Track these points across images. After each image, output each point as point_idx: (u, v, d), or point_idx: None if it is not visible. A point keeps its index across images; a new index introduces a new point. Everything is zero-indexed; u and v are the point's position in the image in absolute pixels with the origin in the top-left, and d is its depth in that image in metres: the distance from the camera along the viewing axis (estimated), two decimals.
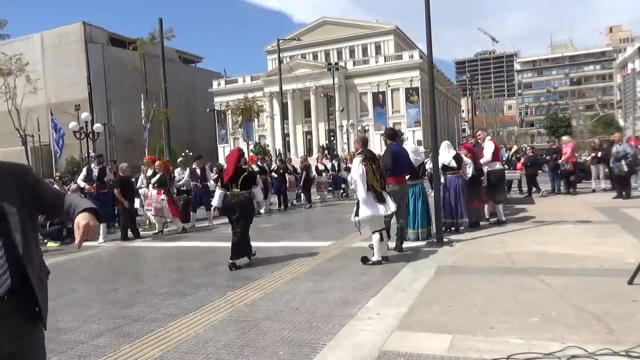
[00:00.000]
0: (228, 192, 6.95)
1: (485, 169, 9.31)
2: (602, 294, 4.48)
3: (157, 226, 11.40)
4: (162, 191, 10.95)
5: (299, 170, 17.10)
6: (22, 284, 1.83)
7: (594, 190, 14.24)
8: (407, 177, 7.51)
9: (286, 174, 16.06)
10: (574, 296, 4.46)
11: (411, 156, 7.62)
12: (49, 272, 2.09)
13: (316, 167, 18.19)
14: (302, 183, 16.48)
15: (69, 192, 12.00)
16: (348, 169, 15.32)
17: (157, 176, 11.08)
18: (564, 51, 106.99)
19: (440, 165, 8.37)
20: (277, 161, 18.79)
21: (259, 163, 15.45)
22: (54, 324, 4.74)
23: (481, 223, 9.11)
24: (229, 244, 6.66)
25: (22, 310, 1.85)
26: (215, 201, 7.32)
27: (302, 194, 17.25)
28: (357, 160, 6.51)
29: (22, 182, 1.96)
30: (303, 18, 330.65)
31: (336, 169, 18.59)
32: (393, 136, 7.79)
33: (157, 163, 11.61)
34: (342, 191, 18.80)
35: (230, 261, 6.63)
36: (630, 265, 5.03)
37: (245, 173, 7.06)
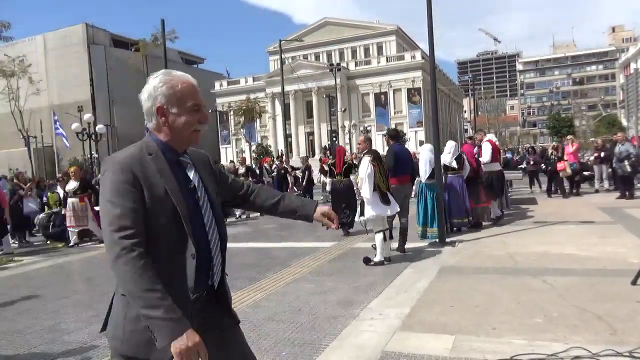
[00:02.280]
0: (334, 179, 9.90)
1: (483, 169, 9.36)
2: (605, 295, 4.46)
3: None
4: None
5: (299, 172, 17.10)
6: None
7: (597, 191, 14.21)
8: (427, 176, 7.78)
9: (287, 175, 16.08)
10: (576, 297, 4.44)
11: (429, 155, 7.88)
12: None
13: (321, 168, 18.19)
14: (304, 184, 16.49)
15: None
16: None
17: None
18: (566, 51, 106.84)
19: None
20: (277, 161, 18.79)
21: (265, 165, 15.52)
22: (57, 324, 4.76)
23: (483, 223, 9.10)
24: (231, 245, 6.63)
25: (224, 300, 1.85)
26: (327, 187, 8.72)
27: (305, 195, 17.27)
28: (367, 159, 6.42)
29: (213, 169, 1.88)
30: (304, 19, 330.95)
31: None
32: (396, 136, 7.80)
33: None
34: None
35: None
36: (633, 265, 5.02)
37: (346, 164, 9.69)
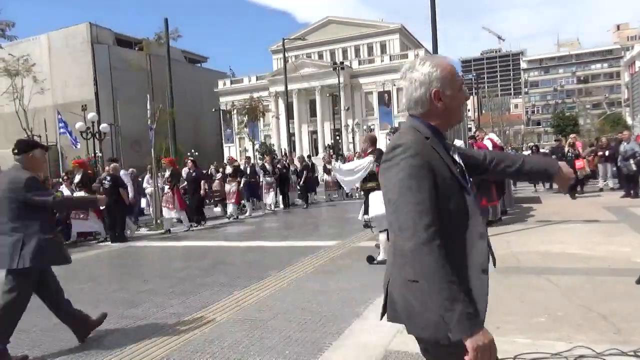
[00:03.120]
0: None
1: None
2: (609, 294, 4.44)
3: (164, 225, 11.48)
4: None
5: (297, 170, 16.91)
6: None
7: (601, 190, 14.14)
8: None
9: (289, 174, 15.99)
10: (580, 296, 4.43)
11: None
12: None
13: (324, 167, 18.18)
14: (302, 182, 16.34)
15: (77, 193, 12.06)
16: None
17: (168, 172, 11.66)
18: (570, 49, 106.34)
19: None
20: (283, 160, 18.71)
21: (266, 164, 15.45)
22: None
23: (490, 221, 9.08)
24: (234, 244, 6.69)
25: None
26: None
27: (308, 193, 17.24)
28: (369, 159, 6.32)
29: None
30: (307, 17, 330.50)
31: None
32: None
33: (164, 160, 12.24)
34: (346, 190, 18.69)
35: None
36: (637, 264, 5.00)
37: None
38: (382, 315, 1.79)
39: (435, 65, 1.70)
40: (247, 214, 14.11)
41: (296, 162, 18.01)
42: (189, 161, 13.43)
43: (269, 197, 14.93)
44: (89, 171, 12.00)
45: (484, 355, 1.50)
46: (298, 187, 16.58)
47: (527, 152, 19.35)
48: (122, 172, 11.54)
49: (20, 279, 3.80)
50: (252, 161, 16.51)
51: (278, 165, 16.00)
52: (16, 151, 4.02)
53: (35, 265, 3.79)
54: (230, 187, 13.41)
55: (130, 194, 11.21)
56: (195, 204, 12.52)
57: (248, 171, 14.47)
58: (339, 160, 16.58)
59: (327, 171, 17.85)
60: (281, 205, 15.82)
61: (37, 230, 3.83)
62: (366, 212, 6.47)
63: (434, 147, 1.65)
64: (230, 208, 13.52)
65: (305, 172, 16.42)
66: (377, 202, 6.29)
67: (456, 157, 1.75)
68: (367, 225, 6.86)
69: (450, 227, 1.59)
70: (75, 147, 24.65)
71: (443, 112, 1.71)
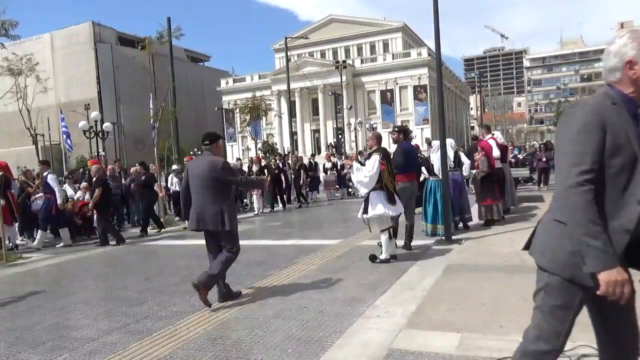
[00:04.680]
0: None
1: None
2: None
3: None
4: None
5: (291, 170, 16.66)
6: None
7: None
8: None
9: (281, 174, 15.74)
10: None
11: (450, 149, 8.38)
12: None
13: (323, 165, 18.12)
14: (301, 182, 16.15)
15: (79, 192, 12.11)
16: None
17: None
18: (573, 47, 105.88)
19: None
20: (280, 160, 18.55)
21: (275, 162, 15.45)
22: (64, 321, 4.80)
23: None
24: None
25: None
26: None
27: (311, 192, 17.20)
28: (375, 157, 6.30)
29: None
30: (310, 16, 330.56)
31: (338, 167, 18.40)
32: (405, 134, 7.86)
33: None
34: (348, 189, 18.63)
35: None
36: None
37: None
38: (525, 247, 2.15)
39: (633, 38, 1.86)
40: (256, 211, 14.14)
41: (290, 161, 17.66)
42: (138, 165, 12.95)
43: (259, 201, 14.11)
44: (104, 170, 12.08)
45: (616, 290, 1.72)
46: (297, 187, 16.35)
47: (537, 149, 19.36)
48: (49, 177, 10.27)
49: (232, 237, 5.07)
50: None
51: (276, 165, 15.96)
52: (207, 142, 5.16)
53: (230, 228, 4.94)
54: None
55: (59, 200, 10.08)
56: (144, 213, 11.63)
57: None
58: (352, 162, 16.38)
59: (325, 170, 17.81)
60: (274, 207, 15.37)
61: (229, 203, 5.04)
62: (365, 211, 6.45)
63: (619, 112, 1.82)
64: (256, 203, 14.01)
65: (302, 172, 16.21)
66: (376, 202, 6.29)
67: None
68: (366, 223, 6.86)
69: (611, 185, 1.80)
70: (70, 150, 24.70)
71: (635, 81, 1.86)
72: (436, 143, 8.64)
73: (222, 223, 4.86)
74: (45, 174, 10.45)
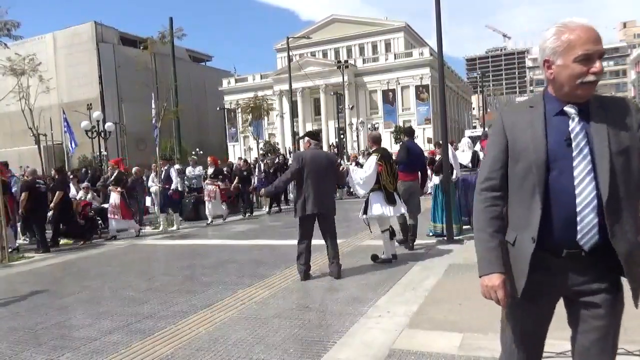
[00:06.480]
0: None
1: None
2: None
3: (209, 218, 12.32)
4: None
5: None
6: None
7: None
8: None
9: (250, 176, 14.67)
10: None
11: (468, 149, 8.65)
12: None
13: None
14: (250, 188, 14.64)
15: (81, 192, 12.12)
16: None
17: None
18: None
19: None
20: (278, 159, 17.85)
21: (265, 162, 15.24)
22: (66, 320, 4.80)
23: None
24: (239, 242, 6.70)
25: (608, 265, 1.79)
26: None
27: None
28: (373, 158, 6.32)
29: (631, 118, 1.69)
30: (312, 16, 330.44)
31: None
32: (410, 133, 8.07)
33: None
34: (348, 189, 18.41)
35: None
36: None
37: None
38: None
39: (554, 33, 1.67)
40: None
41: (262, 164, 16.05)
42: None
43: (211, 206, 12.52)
44: (123, 170, 12.26)
45: (490, 295, 1.80)
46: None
47: None
48: (171, 170, 12.05)
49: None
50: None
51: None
52: (317, 140, 6.21)
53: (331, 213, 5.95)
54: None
55: (174, 186, 11.72)
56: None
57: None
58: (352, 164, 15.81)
59: None
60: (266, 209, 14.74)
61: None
62: (365, 212, 6.44)
63: (529, 115, 1.73)
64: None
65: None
66: (376, 202, 6.28)
67: (572, 126, 1.66)
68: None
69: (514, 190, 1.76)
70: (72, 150, 24.74)
71: (553, 82, 1.71)
72: (464, 141, 8.77)
73: (335, 209, 5.98)
74: (166, 167, 12.24)
